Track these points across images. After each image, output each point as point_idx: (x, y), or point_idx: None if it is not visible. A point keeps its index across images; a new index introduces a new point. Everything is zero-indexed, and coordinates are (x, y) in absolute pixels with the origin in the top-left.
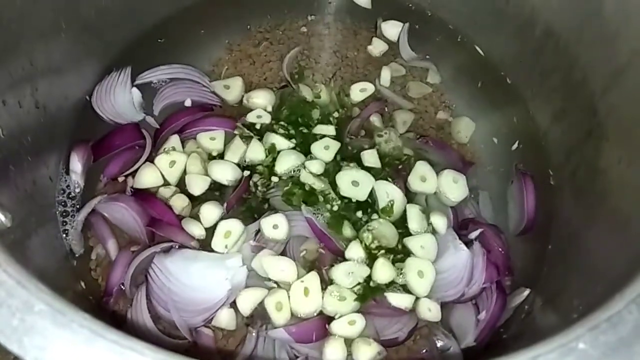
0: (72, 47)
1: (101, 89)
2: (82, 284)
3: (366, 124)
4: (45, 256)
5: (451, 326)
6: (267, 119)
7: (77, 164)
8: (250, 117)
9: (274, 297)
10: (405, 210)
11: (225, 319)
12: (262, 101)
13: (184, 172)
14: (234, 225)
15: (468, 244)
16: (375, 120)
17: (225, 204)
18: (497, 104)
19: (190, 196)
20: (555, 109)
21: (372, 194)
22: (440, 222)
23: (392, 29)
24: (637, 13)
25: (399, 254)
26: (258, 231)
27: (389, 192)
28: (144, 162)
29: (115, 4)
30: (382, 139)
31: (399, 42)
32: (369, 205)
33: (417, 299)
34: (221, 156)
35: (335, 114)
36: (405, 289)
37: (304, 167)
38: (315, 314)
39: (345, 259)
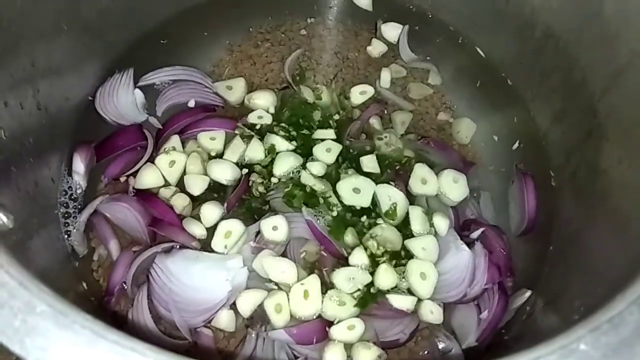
0: (74, 48)
1: (104, 90)
2: (84, 285)
3: (366, 127)
4: (47, 257)
5: (453, 327)
6: (268, 119)
7: (79, 165)
8: (252, 118)
9: (273, 298)
10: (407, 213)
11: (224, 320)
12: (263, 102)
13: (184, 172)
14: (235, 226)
15: (470, 244)
16: (375, 122)
17: (225, 204)
18: (497, 105)
19: (190, 196)
20: (556, 110)
21: (373, 198)
22: (441, 223)
23: (392, 30)
24: (637, 14)
25: (402, 259)
26: (258, 232)
27: (390, 196)
28: (145, 163)
29: (116, 5)
30: (382, 142)
31: (398, 43)
32: (372, 210)
33: (419, 300)
34: (220, 156)
35: (336, 116)
36: (408, 290)
37: (305, 169)
38: (314, 317)
39: (345, 262)
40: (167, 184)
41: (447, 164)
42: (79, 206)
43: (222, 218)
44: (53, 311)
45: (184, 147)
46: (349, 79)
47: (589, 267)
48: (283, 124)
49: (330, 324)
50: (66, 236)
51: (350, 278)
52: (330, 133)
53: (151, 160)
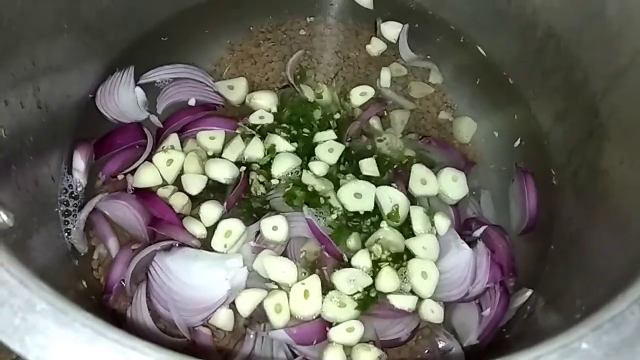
0: (74, 47)
1: (105, 88)
2: (84, 283)
3: (365, 127)
4: (47, 256)
5: (453, 326)
6: (269, 119)
7: (80, 162)
8: (253, 119)
9: (273, 298)
10: (409, 213)
11: (223, 319)
12: (265, 102)
13: (182, 172)
14: (235, 225)
15: (472, 243)
16: (375, 123)
17: (225, 203)
18: (498, 104)
19: (189, 195)
20: (557, 109)
21: (375, 201)
22: (442, 222)
23: (392, 29)
24: (639, 13)
25: (403, 260)
26: (258, 232)
27: (392, 197)
28: (144, 161)
29: (116, 5)
30: (382, 143)
31: (398, 42)
32: (374, 213)
33: (420, 299)
34: (218, 156)
35: (337, 115)
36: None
37: (307, 169)
38: (314, 317)
39: (345, 264)
40: (164, 183)
41: (448, 163)
42: (79, 204)
43: (222, 217)
44: (53, 309)
45: (183, 145)
46: (350, 78)
47: (590, 266)
48: (284, 125)
49: (331, 324)
50: (66, 234)
51: (350, 279)
52: (330, 134)
53: (150, 159)
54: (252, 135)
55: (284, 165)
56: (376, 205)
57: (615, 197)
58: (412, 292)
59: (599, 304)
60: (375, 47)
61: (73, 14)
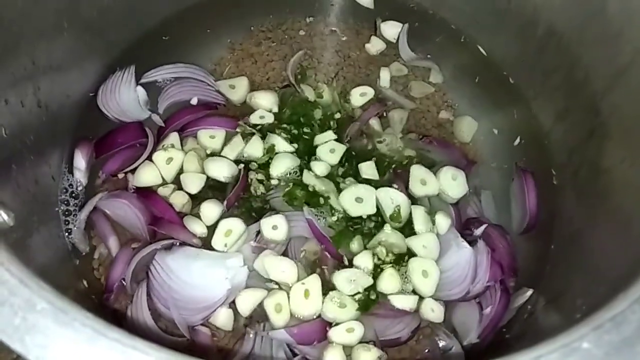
0: (74, 46)
1: (106, 87)
2: (85, 283)
3: (365, 128)
4: (47, 255)
5: (453, 325)
6: (270, 119)
7: (81, 161)
8: (254, 118)
9: (273, 298)
10: (410, 213)
11: (223, 318)
12: (265, 102)
13: (181, 170)
14: (235, 224)
15: (472, 242)
16: (375, 123)
17: (225, 202)
18: (499, 103)
19: (189, 194)
20: (558, 109)
21: (376, 203)
22: (443, 221)
23: (391, 29)
24: None
25: (404, 260)
26: (259, 232)
27: (393, 198)
28: (144, 160)
29: (116, 4)
30: (382, 144)
31: (398, 42)
32: (375, 215)
33: (421, 299)
34: (218, 155)
35: (337, 115)
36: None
37: (309, 169)
38: (314, 317)
39: (345, 265)
40: (164, 181)
41: (449, 162)
42: (80, 203)
43: (222, 216)
44: (53, 309)
45: (183, 144)
46: (350, 78)
47: (590, 265)
48: (285, 125)
49: (331, 324)
50: (67, 234)
51: (351, 280)
52: (330, 135)
53: (150, 158)
54: (252, 134)
55: (282, 165)
56: (378, 207)
57: (616, 197)
58: (413, 292)
59: (599, 303)
60: (375, 46)
61: (73, 14)
